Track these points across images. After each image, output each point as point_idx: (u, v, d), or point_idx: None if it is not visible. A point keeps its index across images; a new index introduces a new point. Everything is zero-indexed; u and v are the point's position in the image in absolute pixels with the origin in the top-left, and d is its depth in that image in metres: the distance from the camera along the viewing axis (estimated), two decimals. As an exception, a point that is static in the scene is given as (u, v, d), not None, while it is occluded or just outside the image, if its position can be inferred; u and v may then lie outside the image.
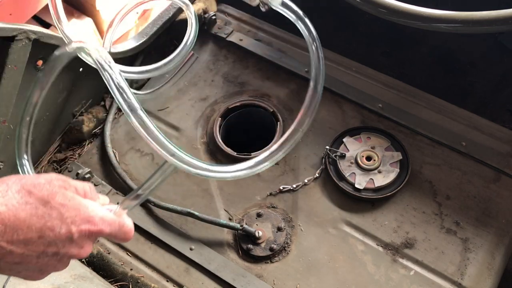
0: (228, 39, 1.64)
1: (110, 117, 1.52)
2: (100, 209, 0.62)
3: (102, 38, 1.70)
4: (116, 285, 1.22)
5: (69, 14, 2.12)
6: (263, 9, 0.89)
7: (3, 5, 1.77)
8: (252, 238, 1.27)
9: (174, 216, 1.33)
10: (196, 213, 1.27)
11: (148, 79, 1.61)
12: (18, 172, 1.43)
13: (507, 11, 0.93)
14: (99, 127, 1.52)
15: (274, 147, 0.74)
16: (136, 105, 0.71)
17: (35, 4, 1.93)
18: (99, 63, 0.76)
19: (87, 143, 1.50)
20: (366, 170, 1.34)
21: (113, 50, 1.51)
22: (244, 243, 1.27)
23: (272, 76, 1.58)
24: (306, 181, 1.37)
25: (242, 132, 1.54)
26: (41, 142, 1.44)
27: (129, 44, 1.55)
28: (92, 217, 0.59)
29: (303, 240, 1.29)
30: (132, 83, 1.59)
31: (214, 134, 1.44)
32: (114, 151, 1.45)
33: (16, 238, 0.53)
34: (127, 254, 1.30)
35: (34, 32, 1.22)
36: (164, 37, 1.65)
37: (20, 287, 1.06)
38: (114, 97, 0.73)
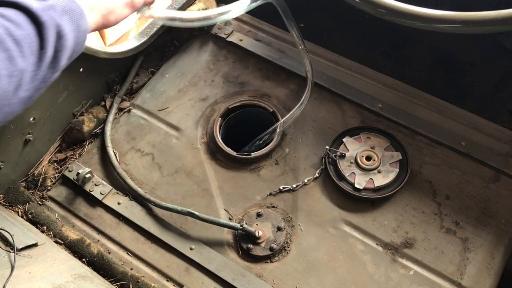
0: (228, 39, 1.65)
1: (111, 117, 1.52)
2: None
3: (102, 39, 1.70)
4: (117, 285, 1.22)
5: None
6: None
7: (4, 5, 1.77)
8: (252, 238, 1.27)
9: (174, 216, 1.33)
10: (196, 213, 1.28)
11: (148, 79, 1.61)
12: (18, 173, 1.43)
13: (507, 11, 0.93)
14: (100, 127, 1.52)
15: None
16: None
17: (35, 4, 1.93)
18: None
19: (87, 143, 1.50)
20: (365, 170, 1.34)
21: (113, 50, 1.51)
22: (244, 243, 1.27)
23: (272, 76, 1.58)
24: (306, 181, 1.37)
25: (242, 132, 1.54)
26: (41, 142, 1.44)
27: (130, 44, 1.55)
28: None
29: (303, 240, 1.29)
30: (133, 83, 1.60)
31: (214, 134, 1.44)
32: (115, 151, 1.45)
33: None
34: (127, 253, 1.30)
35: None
36: (165, 37, 1.65)
37: (20, 287, 1.07)
38: None
